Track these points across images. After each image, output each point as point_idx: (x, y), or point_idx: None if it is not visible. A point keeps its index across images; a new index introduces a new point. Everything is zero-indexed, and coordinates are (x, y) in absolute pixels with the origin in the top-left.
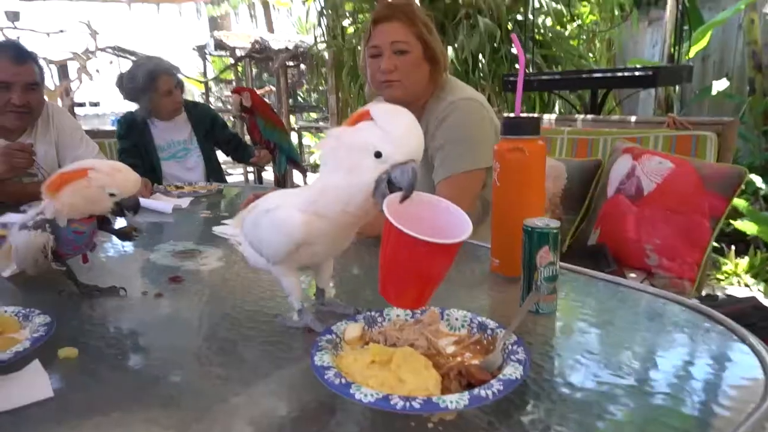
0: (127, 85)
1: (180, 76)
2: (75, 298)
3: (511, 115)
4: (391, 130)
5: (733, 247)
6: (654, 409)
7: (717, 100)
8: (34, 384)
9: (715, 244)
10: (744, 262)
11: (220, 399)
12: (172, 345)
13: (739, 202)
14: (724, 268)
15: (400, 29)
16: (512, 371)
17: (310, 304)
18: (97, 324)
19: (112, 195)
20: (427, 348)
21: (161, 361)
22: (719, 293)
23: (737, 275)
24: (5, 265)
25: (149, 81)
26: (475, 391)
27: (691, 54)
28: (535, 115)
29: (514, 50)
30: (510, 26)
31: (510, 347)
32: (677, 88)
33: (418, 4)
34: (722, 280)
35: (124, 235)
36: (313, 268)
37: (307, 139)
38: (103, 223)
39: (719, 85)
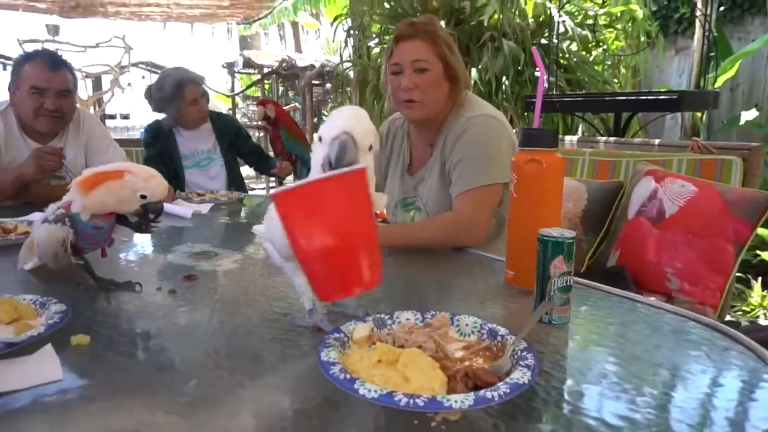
0: (155, 95)
1: (205, 86)
2: (92, 291)
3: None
4: (331, 117)
5: (759, 279)
6: (665, 422)
7: (745, 130)
8: (46, 366)
9: (741, 275)
10: None
11: (225, 389)
12: (181, 337)
13: (766, 233)
14: (749, 300)
15: (422, 48)
16: (520, 376)
17: (321, 305)
18: (111, 315)
19: (142, 197)
20: (435, 351)
21: (170, 351)
22: (743, 322)
23: (764, 307)
24: (28, 258)
25: (176, 90)
26: (481, 392)
27: (719, 83)
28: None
29: (537, 73)
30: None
31: (519, 353)
32: (704, 117)
33: (441, 24)
34: (748, 312)
35: (140, 227)
36: None
37: None
38: (121, 218)
39: (748, 115)
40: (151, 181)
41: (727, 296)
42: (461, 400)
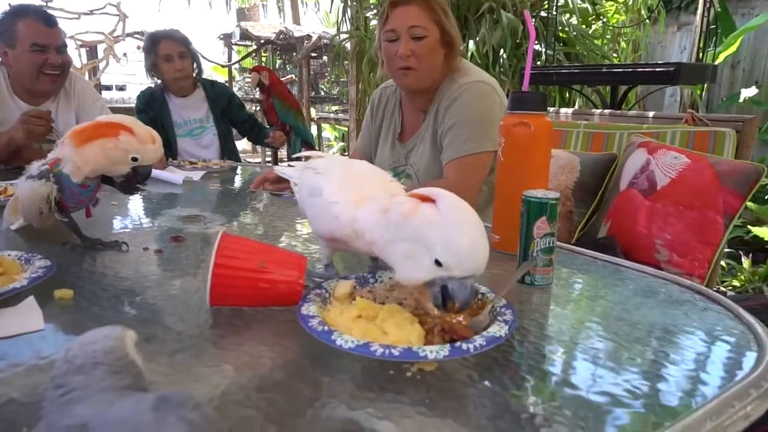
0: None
1: (187, 48)
2: (78, 250)
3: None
4: (458, 243)
5: (750, 255)
6: (640, 376)
7: (745, 107)
8: (27, 317)
9: (733, 251)
10: (762, 270)
11: (206, 341)
12: (165, 294)
13: (762, 209)
14: (740, 275)
15: (418, 13)
16: (497, 329)
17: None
18: (96, 272)
19: (134, 159)
20: (415, 308)
21: (153, 306)
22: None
23: (753, 282)
24: (14, 218)
25: (151, 44)
26: (457, 344)
27: (720, 59)
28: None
29: (536, 46)
30: (533, 22)
31: (498, 310)
32: (704, 93)
33: None
34: (738, 287)
35: (126, 188)
36: None
37: (327, 132)
38: (106, 177)
39: (748, 92)
40: (147, 146)
41: (715, 267)
42: (436, 351)
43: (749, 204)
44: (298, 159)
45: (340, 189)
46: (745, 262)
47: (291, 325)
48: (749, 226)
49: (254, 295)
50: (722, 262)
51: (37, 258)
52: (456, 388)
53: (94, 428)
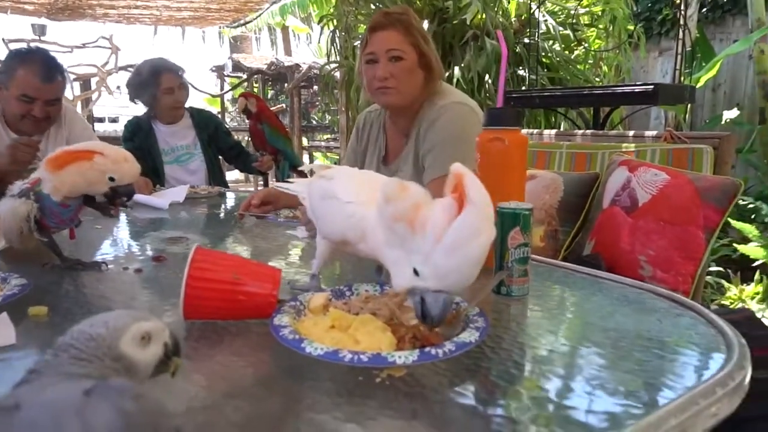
0: (132, 79)
1: (185, 80)
2: (57, 271)
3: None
4: (437, 259)
5: (738, 273)
6: (609, 376)
7: (727, 129)
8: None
9: (721, 269)
10: (750, 288)
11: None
12: (141, 307)
13: (748, 228)
14: (728, 293)
15: (396, 37)
16: (467, 336)
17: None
18: (73, 290)
19: (111, 179)
20: (390, 318)
21: None
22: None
23: (742, 301)
24: None
25: (152, 76)
26: (426, 349)
27: (701, 83)
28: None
29: (520, 71)
30: (517, 49)
31: (471, 317)
32: (687, 116)
33: (414, 14)
34: (727, 306)
35: (107, 210)
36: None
37: (319, 161)
38: (88, 199)
39: (730, 114)
40: (121, 164)
41: (699, 282)
42: (405, 356)
43: (735, 223)
44: (288, 181)
45: (354, 191)
46: (734, 281)
47: (264, 338)
48: (735, 245)
49: (228, 307)
50: (711, 281)
51: (13, 277)
52: (425, 393)
53: (25, 409)
